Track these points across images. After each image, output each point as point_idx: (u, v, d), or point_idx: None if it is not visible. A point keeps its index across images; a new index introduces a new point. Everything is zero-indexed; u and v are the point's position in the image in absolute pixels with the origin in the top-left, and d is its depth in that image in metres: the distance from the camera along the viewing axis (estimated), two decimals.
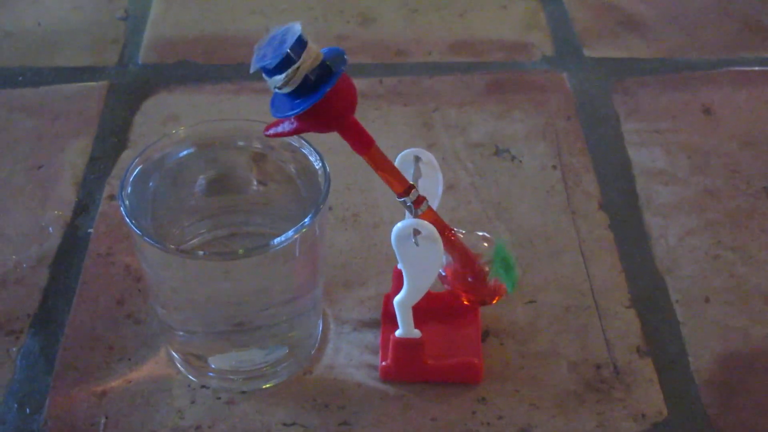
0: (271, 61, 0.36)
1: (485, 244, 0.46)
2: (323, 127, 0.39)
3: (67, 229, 0.56)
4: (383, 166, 0.42)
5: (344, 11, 0.75)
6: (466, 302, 0.48)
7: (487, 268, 0.46)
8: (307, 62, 0.36)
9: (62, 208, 0.57)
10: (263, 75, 0.37)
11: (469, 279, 0.47)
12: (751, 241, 0.56)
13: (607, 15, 0.75)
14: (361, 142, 0.41)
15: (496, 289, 0.47)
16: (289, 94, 0.37)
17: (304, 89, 0.37)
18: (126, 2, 0.76)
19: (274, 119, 0.40)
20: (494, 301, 0.48)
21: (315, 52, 0.37)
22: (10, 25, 0.73)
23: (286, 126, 0.39)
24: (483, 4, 0.76)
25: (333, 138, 0.62)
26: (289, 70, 0.36)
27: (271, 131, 0.40)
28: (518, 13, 0.76)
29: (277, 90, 0.37)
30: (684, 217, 0.57)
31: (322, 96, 0.37)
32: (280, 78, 0.36)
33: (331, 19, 0.74)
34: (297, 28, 0.36)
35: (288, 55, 0.36)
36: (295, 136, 0.45)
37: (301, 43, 0.36)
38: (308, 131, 0.40)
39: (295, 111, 0.37)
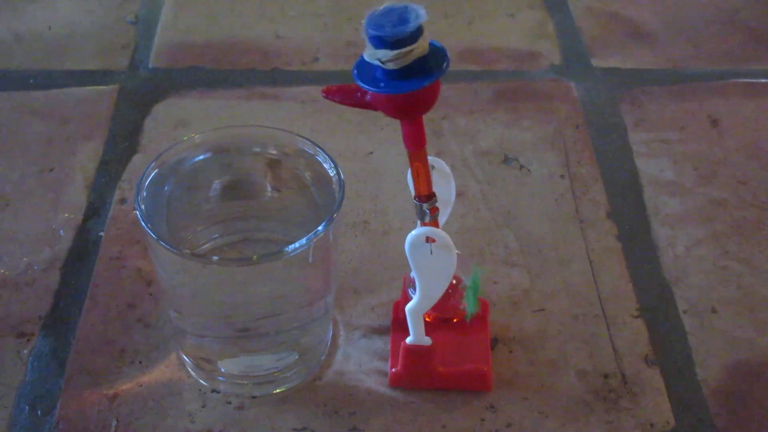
0: (391, 34, 0.36)
1: (462, 269, 0.47)
2: (401, 113, 0.39)
3: (78, 232, 0.56)
4: (425, 165, 0.42)
5: (353, 18, 0.75)
6: (426, 318, 0.48)
7: (461, 291, 0.48)
8: (420, 48, 0.36)
9: (73, 211, 0.58)
10: (368, 42, 0.37)
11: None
12: (758, 252, 0.56)
13: (615, 25, 0.76)
14: (419, 138, 0.41)
15: (458, 312, 0.49)
16: (385, 70, 0.37)
17: (401, 71, 0.37)
18: (136, 7, 0.76)
19: (330, 93, 0.40)
20: (453, 320, 0.49)
21: (426, 41, 0.37)
22: (22, 29, 0.74)
23: (355, 97, 0.39)
24: (491, 12, 0.77)
25: (344, 145, 0.63)
26: (404, 49, 0.36)
27: (337, 97, 0.40)
28: (526, 22, 0.76)
29: (379, 63, 0.37)
30: (691, 228, 0.58)
31: (431, 81, 0.37)
32: (389, 53, 0.36)
33: (340, 26, 0.74)
34: (423, 12, 0.36)
35: (411, 34, 0.36)
36: (309, 143, 0.45)
37: (420, 29, 0.36)
38: (377, 110, 0.39)
39: (400, 90, 0.37)
